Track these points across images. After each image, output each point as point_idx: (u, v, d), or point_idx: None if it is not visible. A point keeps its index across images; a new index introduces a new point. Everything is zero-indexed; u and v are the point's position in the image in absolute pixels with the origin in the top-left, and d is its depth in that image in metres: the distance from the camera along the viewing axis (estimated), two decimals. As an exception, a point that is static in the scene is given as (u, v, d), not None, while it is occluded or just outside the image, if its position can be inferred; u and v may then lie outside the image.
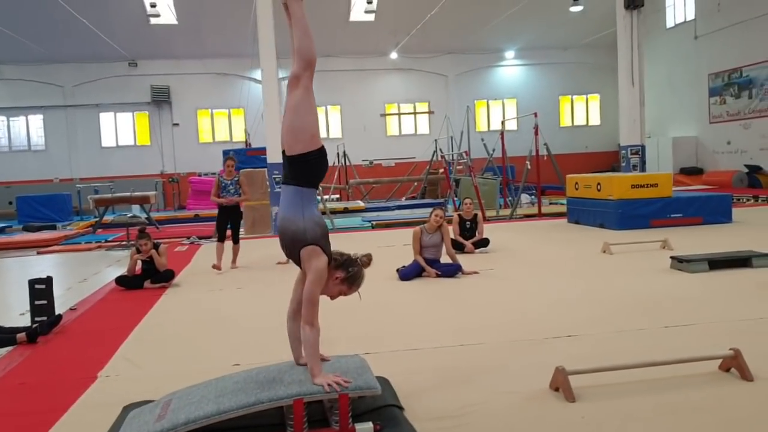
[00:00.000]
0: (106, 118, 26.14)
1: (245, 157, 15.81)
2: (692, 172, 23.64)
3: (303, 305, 3.39)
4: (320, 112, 27.27)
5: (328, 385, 3.24)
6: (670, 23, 25.29)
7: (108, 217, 17.55)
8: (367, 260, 3.64)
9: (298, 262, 3.46)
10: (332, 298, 3.62)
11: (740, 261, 7.35)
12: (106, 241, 13.99)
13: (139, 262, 7.99)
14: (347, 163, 23.25)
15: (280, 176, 14.08)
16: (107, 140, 26.21)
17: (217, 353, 4.99)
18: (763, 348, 4.30)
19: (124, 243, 13.27)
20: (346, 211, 18.47)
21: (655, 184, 12.30)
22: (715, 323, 5.09)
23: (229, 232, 9.33)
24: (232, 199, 9.23)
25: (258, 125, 21.03)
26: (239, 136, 25.89)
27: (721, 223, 11.99)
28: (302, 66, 3.49)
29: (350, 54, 26.32)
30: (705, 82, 23.62)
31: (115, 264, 10.61)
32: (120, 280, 8.02)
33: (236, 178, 9.29)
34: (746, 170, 21.35)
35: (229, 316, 6.36)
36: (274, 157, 14.26)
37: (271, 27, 14.01)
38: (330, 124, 27.40)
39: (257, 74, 20.76)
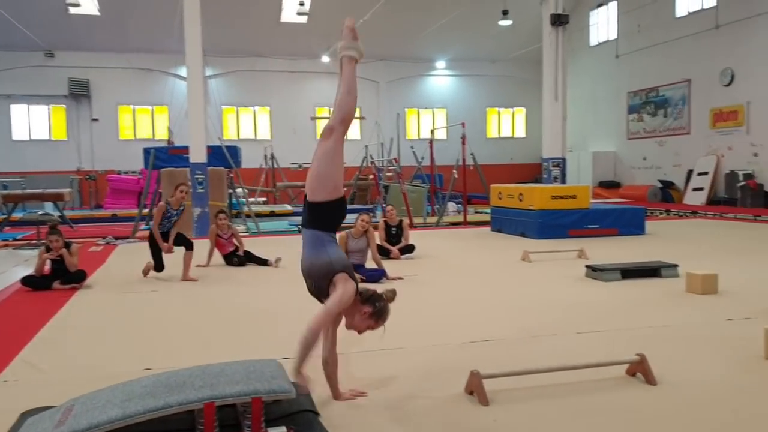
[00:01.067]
0: (18, 110, 24.89)
1: (167, 155, 15.37)
2: (610, 185, 24.56)
3: (319, 313, 3.46)
4: (248, 112, 26.94)
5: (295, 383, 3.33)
6: (593, 41, 26.26)
7: (17, 215, 16.70)
8: (392, 295, 3.69)
9: (323, 295, 3.55)
10: (359, 332, 3.69)
11: (650, 271, 7.66)
12: (14, 240, 13.31)
13: (49, 262, 7.60)
14: (275, 166, 22.97)
15: (202, 176, 13.83)
16: (19, 133, 24.96)
17: (127, 357, 4.81)
18: (667, 354, 4.48)
19: (34, 242, 12.65)
20: (272, 215, 18.27)
21: (574, 196, 12.70)
22: (624, 330, 5.28)
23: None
24: (168, 248, 8.17)
25: (182, 123, 20.56)
26: (162, 134, 25.23)
27: (635, 234, 12.49)
28: (339, 120, 3.62)
29: (281, 55, 26.11)
30: (624, 100, 24.61)
31: (23, 263, 10.10)
32: (26, 281, 7.58)
33: (182, 207, 8.31)
34: (660, 185, 22.36)
35: (142, 319, 6.15)
36: (197, 156, 13.94)
37: (198, 23, 13.72)
38: (258, 125, 27.06)
39: (183, 71, 20.29)
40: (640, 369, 3.94)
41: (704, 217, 16.93)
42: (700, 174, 20.69)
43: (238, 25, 24.08)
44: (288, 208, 19.87)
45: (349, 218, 10.28)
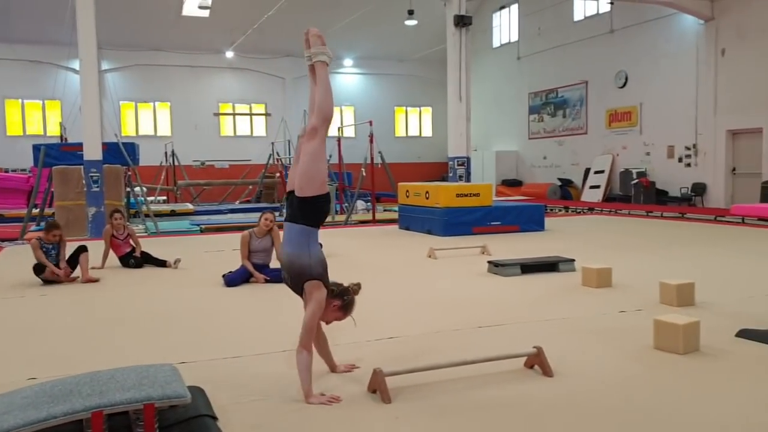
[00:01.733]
0: None
1: (59, 152, 14.57)
2: (512, 183, 25.33)
3: (302, 331, 3.71)
4: (148, 108, 26.01)
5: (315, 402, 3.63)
6: (496, 43, 26.97)
7: None
8: (358, 288, 3.99)
9: (299, 293, 3.83)
10: (328, 323, 3.96)
11: (549, 266, 7.92)
12: None
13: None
14: (176, 163, 22.27)
15: (97, 174, 13.19)
16: None
17: (10, 366, 4.50)
18: (563, 345, 4.62)
19: None
20: (173, 214, 17.67)
21: (478, 194, 12.98)
22: (523, 323, 5.42)
23: None
24: (65, 273, 7.85)
25: (75, 119, 19.56)
26: (54, 130, 23.93)
27: (535, 231, 12.90)
28: (321, 120, 3.86)
29: (182, 49, 25.35)
30: (526, 101, 25.43)
31: None
32: None
33: (56, 242, 7.86)
34: (559, 183, 23.25)
35: (28, 325, 5.78)
36: (92, 153, 13.29)
37: (92, 14, 13.07)
38: (158, 122, 26.16)
39: (76, 64, 19.31)
40: (537, 361, 4.05)
41: (600, 214, 17.73)
42: (596, 172, 21.65)
43: (136, 18, 23.17)
44: (189, 207, 19.28)
45: (257, 217, 10.07)
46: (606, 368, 4.19)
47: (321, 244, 4.14)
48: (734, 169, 17.61)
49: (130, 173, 15.44)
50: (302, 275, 3.74)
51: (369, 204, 18.60)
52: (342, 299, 3.88)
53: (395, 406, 3.57)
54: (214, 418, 3.39)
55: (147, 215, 14.87)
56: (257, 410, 3.59)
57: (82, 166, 13.46)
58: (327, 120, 3.89)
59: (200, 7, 22.09)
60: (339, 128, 21.57)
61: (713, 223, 14.25)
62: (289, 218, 3.84)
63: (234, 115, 27.27)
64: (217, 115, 26.79)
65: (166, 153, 22.49)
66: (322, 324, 3.99)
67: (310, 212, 3.78)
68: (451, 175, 17.03)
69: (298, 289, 3.80)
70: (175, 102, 26.10)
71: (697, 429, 3.23)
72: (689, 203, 18.26)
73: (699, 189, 18.25)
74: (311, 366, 3.70)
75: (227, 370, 4.31)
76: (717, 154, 17.80)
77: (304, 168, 3.79)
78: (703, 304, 5.90)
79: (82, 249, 7.89)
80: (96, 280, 7.82)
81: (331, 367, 4.15)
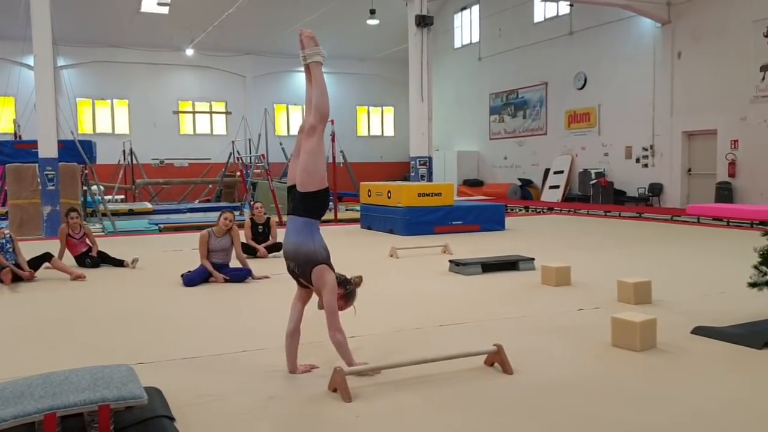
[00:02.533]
0: None
1: (12, 150, 14.20)
2: (474, 183, 25.52)
3: (327, 316, 3.93)
4: (106, 106, 25.50)
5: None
6: (457, 44, 27.14)
7: None
8: (359, 281, 4.23)
9: (307, 280, 3.99)
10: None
11: (509, 265, 7.99)
12: None
13: None
14: (134, 162, 21.88)
15: (53, 172, 12.88)
16: None
17: (-43, 369, 4.35)
18: (523, 343, 4.66)
19: None
20: (131, 213, 17.36)
21: (440, 194, 13.04)
22: (484, 321, 5.45)
23: None
24: (28, 275, 7.71)
25: (30, 116, 19.03)
26: (7, 127, 23.25)
27: (496, 230, 13.01)
28: (318, 119, 4.04)
29: (141, 46, 24.92)
30: (487, 101, 25.64)
31: None
32: None
33: (6, 237, 7.73)
34: (520, 183, 23.50)
35: (-21, 326, 5.60)
36: (47, 151, 12.97)
37: (47, 9, 12.75)
38: (116, 119, 25.66)
39: (31, 60, 18.81)
40: (497, 359, 4.07)
41: (560, 213, 17.98)
42: (556, 173, 21.95)
43: (94, 14, 22.68)
44: (148, 206, 18.97)
45: (217, 216, 9.92)
46: (565, 365, 4.24)
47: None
48: (690, 170, 18.03)
49: (86, 171, 15.12)
50: (309, 261, 3.93)
51: (331, 203, 18.54)
52: (345, 288, 4.07)
53: (356, 405, 3.55)
54: (172, 419, 3.34)
55: (104, 214, 14.58)
56: (215, 411, 3.54)
57: (36, 164, 13.13)
58: (324, 118, 4.06)
59: (159, 4, 21.69)
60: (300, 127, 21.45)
61: (669, 223, 14.57)
62: (292, 211, 4.06)
63: (194, 113, 26.91)
64: (177, 113, 26.39)
65: (124, 151, 22.08)
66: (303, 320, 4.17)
67: (312, 206, 3.99)
68: (413, 174, 17.07)
69: (307, 276, 3.95)
70: (134, 99, 25.63)
71: (654, 425, 3.28)
72: (646, 203, 18.63)
73: (656, 189, 18.63)
74: (346, 343, 3.97)
75: (185, 371, 4.26)
76: (673, 155, 18.20)
77: (304, 165, 3.98)
78: (659, 302, 6.01)
79: (49, 256, 7.76)
80: (83, 276, 7.77)
81: (291, 367, 4.12)
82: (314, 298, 4.15)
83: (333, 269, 4.01)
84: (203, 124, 27.16)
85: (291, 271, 4.06)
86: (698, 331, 4.89)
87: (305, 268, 3.95)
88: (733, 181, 16.41)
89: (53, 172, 13.02)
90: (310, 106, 4.10)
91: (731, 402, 3.55)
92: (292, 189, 4.08)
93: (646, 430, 3.20)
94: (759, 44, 15.62)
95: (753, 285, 4.97)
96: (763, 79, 15.59)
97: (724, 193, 16.29)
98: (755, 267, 4.97)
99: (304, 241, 3.94)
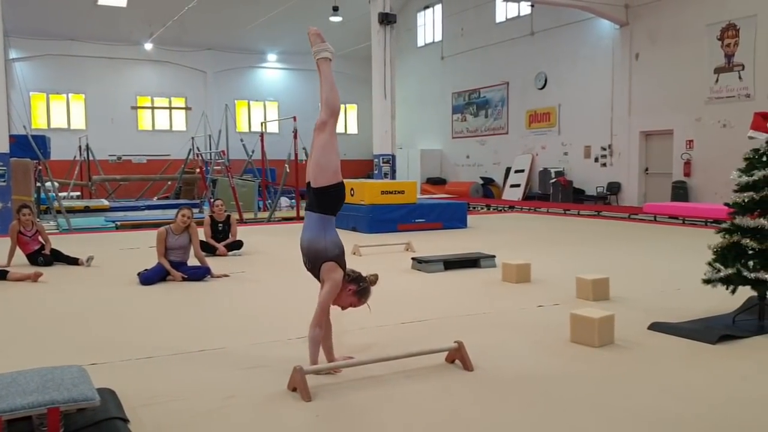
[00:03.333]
0: None
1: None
2: (437, 181, 25.63)
3: (316, 309, 3.93)
4: (61, 100, 24.90)
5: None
6: (420, 42, 27.20)
7: None
8: (374, 278, 4.14)
9: (317, 276, 4.01)
10: (343, 308, 4.10)
11: (470, 262, 8.03)
12: None
13: None
14: (90, 158, 21.39)
15: (4, 168, 12.54)
16: None
17: None
18: (484, 340, 4.67)
19: None
20: (87, 210, 16.95)
21: (402, 191, 13.04)
22: (445, 318, 5.45)
23: None
24: None
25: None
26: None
27: (458, 228, 13.07)
28: (329, 114, 4.07)
29: (98, 40, 24.38)
30: (449, 100, 25.76)
31: None
32: None
33: None
34: (482, 182, 23.68)
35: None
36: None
37: (-3, -2, 12.39)
38: (72, 114, 25.07)
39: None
40: (458, 356, 4.07)
41: (521, 212, 18.16)
42: (517, 171, 22.16)
43: (48, 5, 22.11)
44: (105, 203, 18.54)
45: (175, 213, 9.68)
46: (525, 362, 4.26)
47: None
48: (647, 169, 18.38)
49: (40, 167, 14.73)
50: (319, 257, 3.94)
51: (293, 201, 18.42)
52: (357, 284, 4.01)
53: (315, 404, 3.51)
54: (125, 420, 3.27)
55: (59, 211, 14.21)
56: (170, 411, 3.47)
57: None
58: (335, 113, 4.10)
59: (117, -4, 21.31)
60: (262, 123, 21.24)
61: (627, 221, 14.83)
62: (308, 207, 4.10)
63: (153, 108, 26.45)
64: (135, 108, 25.91)
65: (80, 147, 21.56)
66: (333, 312, 4.11)
67: (325, 201, 3.99)
68: (376, 172, 17.04)
69: (316, 271, 3.98)
70: (90, 94, 25.07)
71: (612, 419, 3.31)
72: (605, 202, 18.94)
73: (614, 188, 18.95)
74: (319, 342, 3.94)
75: (140, 371, 4.16)
76: (631, 154, 18.53)
77: (316, 159, 4.01)
78: (617, 298, 6.10)
79: (3, 274, 7.51)
80: (40, 275, 7.48)
81: (329, 357, 4.12)
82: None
83: (343, 267, 3.98)
84: (162, 120, 26.72)
85: (306, 267, 4.09)
86: (655, 326, 4.97)
87: (315, 263, 3.97)
88: (688, 180, 16.78)
89: (4, 168, 12.68)
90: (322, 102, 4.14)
91: (686, 396, 3.61)
92: (307, 186, 4.12)
93: (603, 425, 3.23)
94: (713, 47, 16.00)
95: (707, 281, 5.06)
96: (717, 81, 15.97)
97: (680, 192, 16.66)
98: (709, 264, 5.07)
99: (316, 237, 3.96)
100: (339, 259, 3.97)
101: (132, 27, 23.91)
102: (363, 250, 9.37)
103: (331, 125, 4.06)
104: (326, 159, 4.01)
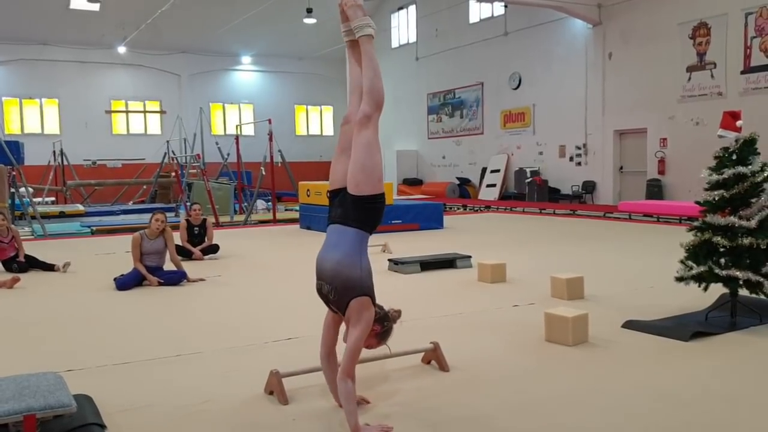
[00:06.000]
0: None
1: None
2: (413, 182, 25.68)
3: (345, 355, 3.19)
4: (34, 105, 24.56)
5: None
6: (395, 44, 27.23)
7: None
8: (398, 315, 3.53)
9: (341, 309, 3.27)
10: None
11: (447, 263, 8.07)
12: None
13: None
14: (65, 163, 21.13)
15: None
16: None
17: None
18: (460, 340, 4.71)
19: None
20: (62, 216, 16.75)
21: (379, 193, 13.02)
22: (422, 319, 5.48)
23: None
24: None
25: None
26: None
27: (435, 228, 13.13)
28: (373, 106, 3.35)
29: (71, 44, 24.11)
30: (425, 101, 25.83)
31: None
32: None
33: None
34: (458, 182, 23.77)
35: None
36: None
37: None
38: (46, 119, 24.73)
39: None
40: (434, 356, 4.10)
41: (497, 212, 18.26)
42: (492, 171, 22.29)
43: (20, 10, 21.79)
44: (80, 208, 18.33)
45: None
46: (500, 361, 4.30)
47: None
48: (621, 168, 18.59)
49: (14, 173, 14.52)
50: (350, 289, 3.21)
51: (269, 203, 18.34)
52: (382, 325, 3.40)
53: (292, 408, 3.53)
54: (102, 426, 3.28)
55: (33, 217, 14.03)
56: (147, 416, 3.47)
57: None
58: (380, 105, 3.38)
59: (90, 0, 21.03)
60: (237, 126, 21.14)
61: (602, 220, 14.99)
62: (340, 220, 3.31)
63: (127, 112, 26.20)
64: (109, 112, 25.65)
65: (54, 152, 21.29)
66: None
67: (368, 214, 3.28)
68: (352, 174, 17.02)
69: (342, 305, 3.24)
70: (64, 99, 24.76)
71: (586, 416, 3.36)
72: (580, 201, 19.12)
73: (589, 187, 19.14)
74: (355, 397, 3.21)
75: (117, 377, 4.15)
76: (605, 153, 18.73)
77: (361, 161, 3.26)
78: (591, 297, 6.17)
79: None
80: (18, 279, 7.42)
81: (337, 397, 3.49)
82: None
83: (374, 301, 3.31)
84: (137, 124, 26.48)
85: (323, 294, 3.35)
86: (628, 325, 5.04)
87: (343, 296, 3.22)
88: (662, 178, 17.00)
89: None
90: (356, 91, 3.46)
91: (659, 393, 3.67)
92: (335, 194, 3.39)
93: (578, 423, 3.28)
94: (685, 46, 16.24)
95: (680, 279, 5.14)
96: (689, 79, 16.20)
97: (654, 190, 16.87)
98: (682, 262, 5.14)
99: (350, 263, 3.22)
100: (372, 292, 3.29)
101: (105, 30, 23.65)
102: (340, 252, 9.35)
103: (374, 120, 3.35)
104: (372, 161, 3.27)
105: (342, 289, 3.22)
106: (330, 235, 3.35)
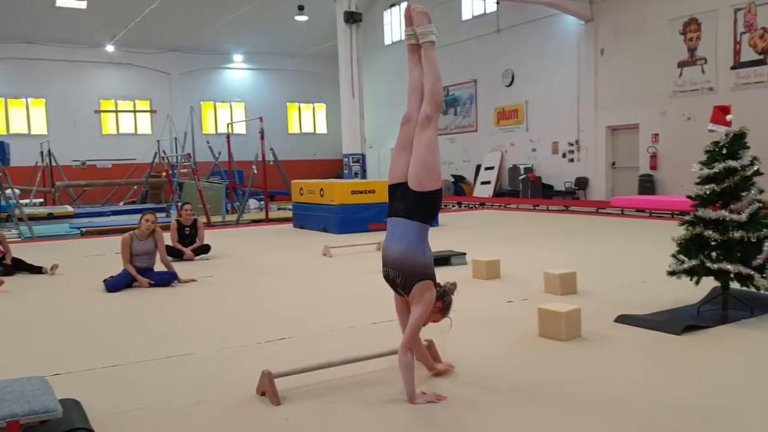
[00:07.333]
0: None
1: None
2: (407, 180, 25.60)
3: (407, 331, 3.57)
4: (20, 105, 24.38)
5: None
6: (388, 41, 27.18)
7: None
8: (454, 288, 3.83)
9: (407, 292, 3.59)
10: (424, 324, 3.68)
11: (442, 260, 8.00)
12: None
13: None
14: (53, 163, 20.97)
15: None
16: None
17: None
18: (454, 337, 4.63)
19: None
20: (50, 217, 16.62)
21: (373, 191, 12.97)
22: (416, 318, 5.43)
23: None
24: None
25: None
26: None
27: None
28: (434, 108, 3.68)
29: (58, 42, 23.88)
30: (417, 98, 25.72)
31: None
32: None
33: None
34: (453, 180, 23.74)
35: None
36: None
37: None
38: (32, 119, 24.54)
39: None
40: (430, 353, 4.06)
41: (491, 209, 18.26)
42: (487, 168, 22.28)
43: (5, 8, 21.59)
44: (69, 209, 18.19)
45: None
46: (494, 357, 4.27)
47: None
48: (614, 164, 18.61)
49: (0, 174, 14.40)
50: (416, 275, 3.55)
51: (262, 203, 18.27)
52: (443, 301, 3.71)
53: (285, 408, 3.49)
54: (90, 430, 3.21)
55: (21, 219, 13.90)
56: (137, 420, 3.42)
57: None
58: (439, 106, 3.74)
59: (77, -2, 20.91)
60: (228, 125, 21.05)
61: (595, 215, 15.01)
62: (402, 214, 3.62)
63: (116, 112, 26.03)
64: (98, 112, 25.48)
65: (42, 152, 21.13)
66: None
67: (429, 208, 3.62)
68: (346, 172, 16.99)
69: (409, 289, 3.58)
70: (52, 98, 24.57)
71: (579, 411, 3.33)
72: (573, 197, 19.14)
73: (582, 183, 19.16)
74: (413, 368, 3.53)
75: (106, 380, 4.10)
76: (598, 149, 18.75)
77: (423, 160, 3.60)
78: (585, 292, 6.15)
79: None
80: (1, 282, 7.33)
81: (429, 366, 3.93)
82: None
83: (436, 284, 3.65)
84: (127, 124, 26.32)
85: (390, 279, 3.66)
86: (621, 319, 5.02)
87: (409, 280, 3.56)
88: (654, 173, 17.03)
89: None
90: (416, 92, 3.76)
91: (652, 386, 3.65)
92: (396, 188, 3.69)
93: (571, 417, 3.25)
94: (675, 41, 16.26)
95: (672, 273, 5.13)
96: (681, 75, 16.23)
97: (647, 185, 16.90)
98: (673, 256, 5.14)
99: (414, 251, 3.56)
100: (434, 277, 3.64)
101: (92, 29, 23.46)
102: (333, 251, 9.32)
103: (434, 120, 3.67)
104: (433, 159, 3.62)
105: (408, 276, 3.56)
106: (393, 228, 3.66)
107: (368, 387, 3.76)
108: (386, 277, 3.68)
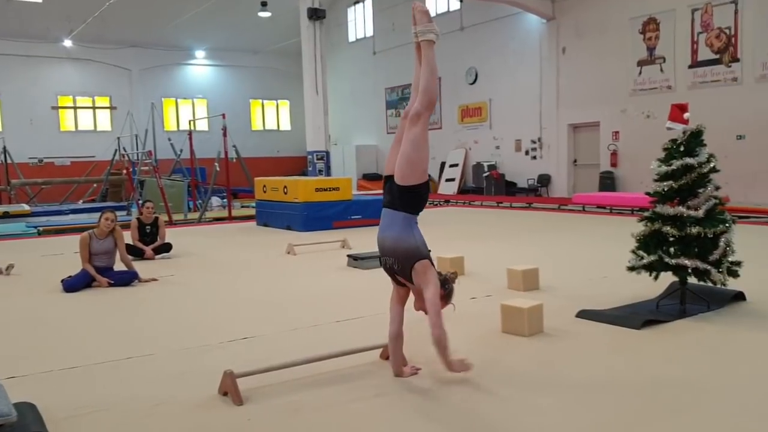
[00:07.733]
0: None
1: None
2: (373, 177, 25.61)
3: (430, 314, 3.64)
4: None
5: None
6: (352, 38, 27.12)
7: None
8: (455, 277, 3.91)
9: (406, 277, 3.71)
10: (426, 312, 3.73)
11: (405, 257, 8.03)
12: None
13: None
14: (9, 161, 20.44)
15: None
16: None
17: None
18: (417, 334, 4.65)
19: None
20: (6, 216, 16.18)
21: (337, 188, 12.95)
22: (381, 315, 5.37)
23: None
24: None
25: None
26: None
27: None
28: (425, 105, 3.74)
29: (14, 37, 23.27)
30: (383, 95, 25.78)
31: None
32: None
33: None
34: (416, 176, 23.79)
35: None
36: None
37: None
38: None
39: None
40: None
41: (456, 205, 18.36)
42: (451, 166, 22.39)
43: (-43, 1, 20.99)
44: (26, 208, 17.73)
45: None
46: (457, 353, 4.27)
47: None
48: (575, 161, 18.87)
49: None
50: (411, 256, 3.67)
51: (224, 200, 18.08)
52: (444, 288, 3.78)
53: (247, 408, 3.45)
54: (45, 434, 3.14)
55: (-25, 218, 13.53)
56: (95, 423, 3.35)
57: None
58: (432, 104, 3.78)
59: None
60: (190, 121, 20.77)
61: (557, 212, 15.20)
62: (389, 205, 3.77)
63: (75, 108, 25.50)
64: (56, 108, 24.92)
65: (-2, 150, 20.59)
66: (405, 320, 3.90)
67: (412, 201, 3.72)
68: (310, 169, 16.92)
69: (407, 272, 3.69)
70: (7, 94, 23.93)
71: (541, 405, 3.36)
72: (535, 193, 19.35)
73: (544, 180, 19.38)
74: (447, 344, 3.65)
75: (63, 382, 4.00)
76: (560, 146, 18.99)
77: (407, 155, 3.69)
78: (547, 287, 6.22)
79: None
80: None
81: (398, 371, 3.86)
82: (410, 300, 3.91)
83: (433, 264, 3.75)
84: (86, 120, 25.79)
85: (388, 268, 3.79)
86: (582, 314, 5.09)
87: (406, 264, 3.68)
88: (615, 170, 17.32)
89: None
90: (417, 88, 3.83)
91: (612, 380, 3.71)
92: (388, 179, 3.80)
93: (533, 412, 3.28)
94: (635, 40, 16.55)
95: (631, 269, 5.21)
96: (640, 73, 16.52)
97: (607, 182, 17.18)
98: (633, 252, 5.22)
99: (404, 236, 3.69)
100: (430, 258, 3.75)
101: (49, 23, 22.93)
102: (298, 249, 9.27)
103: (425, 118, 3.73)
104: (418, 155, 3.69)
105: (404, 259, 3.69)
106: (384, 218, 3.81)
107: (332, 386, 3.74)
108: (384, 265, 3.82)
